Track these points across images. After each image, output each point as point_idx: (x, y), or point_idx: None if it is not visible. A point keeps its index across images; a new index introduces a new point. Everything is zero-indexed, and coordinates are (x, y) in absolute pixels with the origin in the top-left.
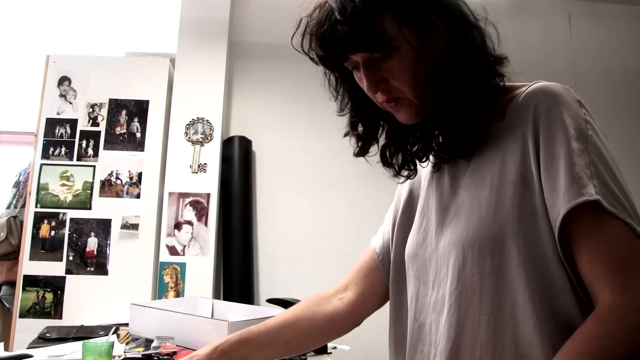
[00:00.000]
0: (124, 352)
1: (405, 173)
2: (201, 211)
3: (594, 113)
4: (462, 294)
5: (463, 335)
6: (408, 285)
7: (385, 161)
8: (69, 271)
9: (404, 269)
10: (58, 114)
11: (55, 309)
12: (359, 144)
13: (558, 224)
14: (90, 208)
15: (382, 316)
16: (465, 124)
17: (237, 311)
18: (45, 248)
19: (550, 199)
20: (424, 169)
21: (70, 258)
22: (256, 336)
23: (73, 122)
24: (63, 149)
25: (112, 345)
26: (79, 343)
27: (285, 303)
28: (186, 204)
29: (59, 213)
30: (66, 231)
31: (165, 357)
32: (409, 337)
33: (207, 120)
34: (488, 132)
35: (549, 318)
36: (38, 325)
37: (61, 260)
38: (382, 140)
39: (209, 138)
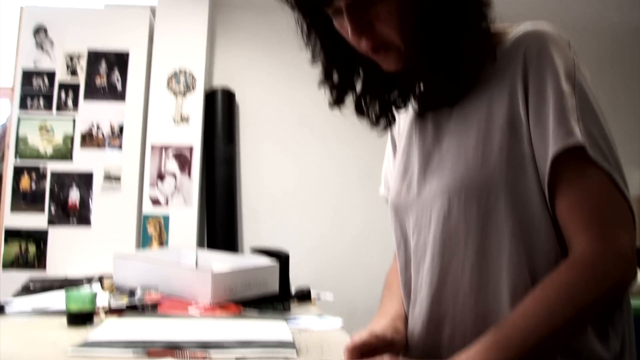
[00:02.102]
0: (108, 301)
1: (383, 123)
2: (184, 163)
3: None
4: (446, 242)
5: (446, 283)
6: (394, 233)
7: (361, 111)
8: (51, 223)
9: None
10: (34, 64)
11: (39, 261)
12: (334, 94)
13: (548, 169)
14: (71, 160)
15: (365, 267)
16: (456, 69)
17: (221, 260)
18: (26, 200)
19: (538, 143)
20: (407, 116)
21: (53, 210)
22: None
23: (51, 74)
24: (41, 101)
25: (95, 294)
26: (63, 293)
27: (270, 253)
28: (169, 155)
29: (39, 166)
30: (47, 184)
31: (150, 306)
32: (403, 287)
33: (190, 71)
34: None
35: (534, 267)
36: (22, 277)
37: (43, 212)
38: (357, 89)
39: (191, 89)
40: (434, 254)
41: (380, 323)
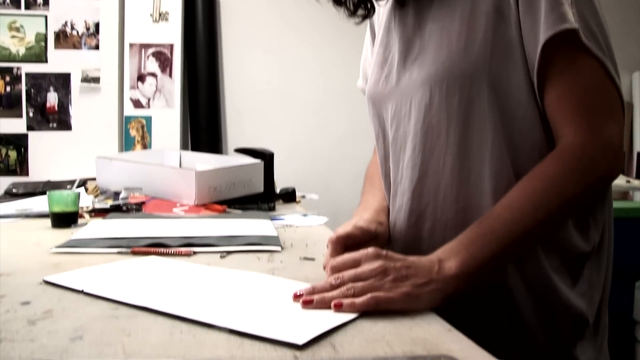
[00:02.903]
0: (92, 203)
1: (361, 12)
2: (164, 62)
3: None
4: (427, 132)
5: (427, 175)
6: (373, 125)
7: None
8: (30, 128)
9: None
10: None
11: (21, 167)
12: None
13: (538, 56)
14: (46, 61)
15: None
16: None
17: (205, 161)
18: (2, 105)
19: (528, 29)
20: (387, 7)
21: (31, 114)
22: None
23: None
24: None
25: (78, 195)
26: (46, 196)
27: (254, 153)
28: (148, 55)
29: (12, 67)
30: (23, 86)
31: (134, 206)
32: (383, 179)
33: None
34: None
35: (517, 159)
36: (4, 183)
37: (21, 116)
38: None
39: None
40: (415, 145)
41: (364, 216)
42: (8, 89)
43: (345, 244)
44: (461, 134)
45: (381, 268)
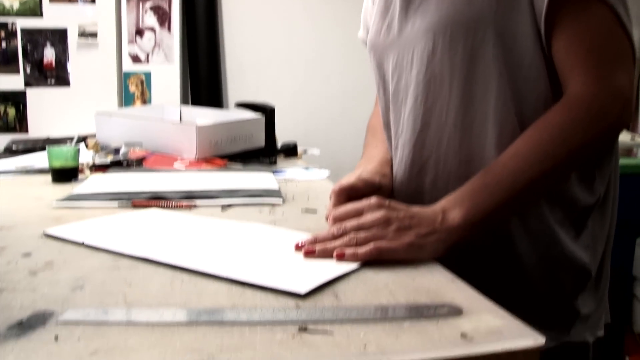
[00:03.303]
0: (92, 159)
1: None
2: (163, 16)
3: None
4: (430, 83)
5: (429, 127)
6: (374, 76)
7: None
8: (28, 84)
9: None
10: None
11: (20, 124)
12: None
13: (546, 1)
14: (41, 15)
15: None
16: None
17: (205, 116)
18: None
19: None
20: None
21: (28, 71)
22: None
23: None
24: None
25: (77, 149)
26: (46, 152)
27: (255, 107)
28: (146, 9)
29: (6, 23)
30: (19, 42)
31: (135, 161)
32: (385, 130)
33: None
34: None
35: (522, 110)
36: (4, 140)
37: (18, 73)
38: None
39: None
40: (417, 96)
41: (367, 168)
42: (4, 44)
43: (349, 195)
44: (465, 84)
45: (384, 218)
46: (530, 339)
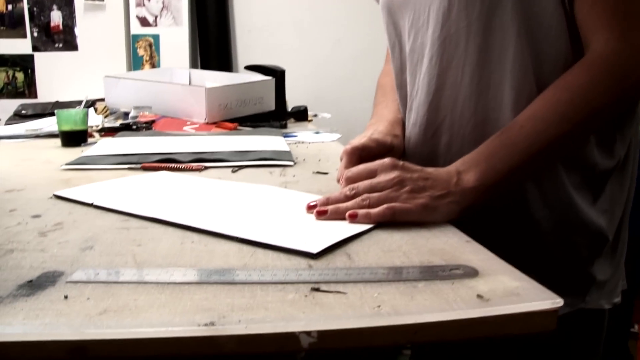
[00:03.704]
0: (102, 122)
1: None
2: None
3: None
4: (445, 42)
5: (444, 88)
6: (387, 36)
7: None
8: (35, 48)
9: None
10: None
11: (29, 89)
12: None
13: None
14: None
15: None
16: None
17: (215, 79)
18: (5, 24)
19: None
20: None
21: (35, 34)
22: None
23: None
24: None
25: (86, 112)
26: (55, 116)
27: (265, 70)
28: None
29: None
30: (25, 5)
31: (144, 125)
32: (398, 91)
33: None
34: None
35: (540, 70)
36: (13, 105)
37: (25, 37)
38: None
39: None
40: (432, 56)
41: (378, 129)
42: (9, 7)
43: (360, 155)
44: (481, 43)
45: (398, 179)
46: (548, 301)
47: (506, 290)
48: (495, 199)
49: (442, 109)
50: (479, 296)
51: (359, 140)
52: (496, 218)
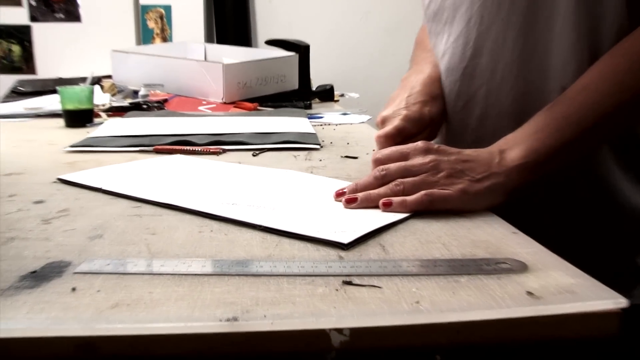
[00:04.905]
0: (109, 101)
1: None
2: None
3: None
4: (487, 1)
5: (482, 53)
6: None
7: None
8: (34, 19)
9: None
10: None
11: (27, 64)
12: None
13: None
14: None
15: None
16: None
17: (233, 54)
18: None
19: None
20: None
21: (33, 3)
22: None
23: None
24: None
25: (92, 90)
26: (58, 93)
27: (287, 44)
28: None
29: None
30: None
31: (156, 104)
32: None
33: None
34: None
35: (594, 36)
36: (9, 81)
37: (20, 5)
38: None
39: None
40: (470, 17)
41: (413, 92)
42: None
43: (395, 141)
44: (528, 5)
45: (433, 162)
46: (609, 301)
47: (560, 287)
48: (544, 180)
49: (477, 77)
50: (529, 293)
51: (393, 124)
52: (534, 205)
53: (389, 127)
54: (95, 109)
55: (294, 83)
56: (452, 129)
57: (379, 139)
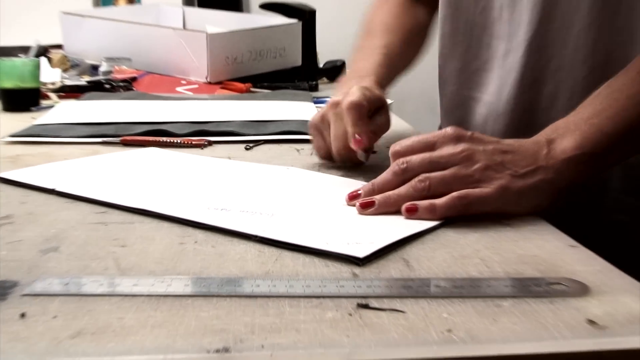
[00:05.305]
0: (61, 79)
1: None
2: None
3: None
4: None
5: (553, 19)
6: None
7: None
8: None
9: None
10: None
11: None
12: None
13: None
14: None
15: None
16: None
17: (218, 21)
18: None
19: None
20: None
21: None
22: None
23: None
24: None
25: (38, 64)
26: None
27: (288, 9)
28: None
29: None
30: None
31: (122, 83)
32: (466, 30)
33: None
34: None
35: None
36: None
37: None
38: None
39: None
40: None
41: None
42: None
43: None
44: None
45: (467, 152)
46: None
47: (630, 315)
48: (602, 173)
49: (548, 47)
50: (591, 322)
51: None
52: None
53: (351, 97)
54: (43, 89)
55: (296, 58)
56: (515, 116)
57: (348, 111)
